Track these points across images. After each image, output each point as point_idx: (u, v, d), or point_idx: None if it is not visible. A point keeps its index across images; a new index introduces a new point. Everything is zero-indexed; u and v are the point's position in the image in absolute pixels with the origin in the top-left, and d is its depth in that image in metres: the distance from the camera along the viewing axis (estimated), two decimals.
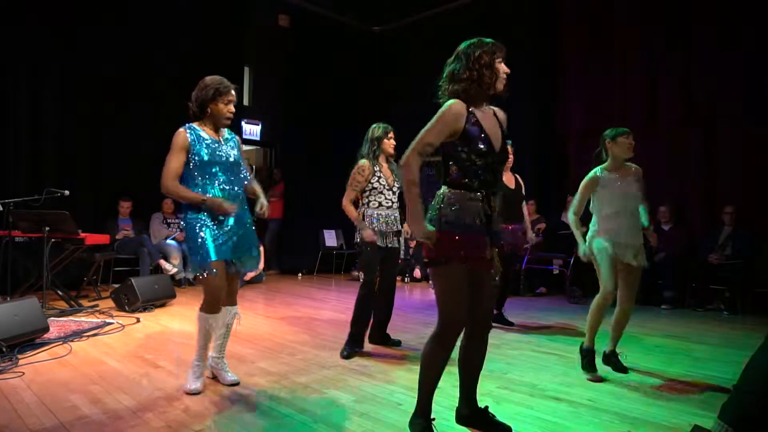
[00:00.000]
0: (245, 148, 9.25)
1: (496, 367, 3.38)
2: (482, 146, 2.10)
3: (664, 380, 3.17)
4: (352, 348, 3.62)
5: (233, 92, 2.86)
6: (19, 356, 3.29)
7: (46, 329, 3.68)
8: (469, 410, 2.37)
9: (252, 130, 8.78)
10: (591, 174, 3.31)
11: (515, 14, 7.77)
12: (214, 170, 2.79)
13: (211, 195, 2.75)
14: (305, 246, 8.74)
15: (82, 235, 4.97)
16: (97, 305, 5.16)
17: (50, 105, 6.19)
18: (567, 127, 7.63)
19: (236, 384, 2.93)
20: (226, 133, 2.93)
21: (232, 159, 2.86)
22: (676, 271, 6.04)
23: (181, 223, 7.11)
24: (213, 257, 2.70)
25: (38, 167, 6.15)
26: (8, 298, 4.35)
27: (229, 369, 3.03)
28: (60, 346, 3.61)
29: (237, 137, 3.00)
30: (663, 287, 6.07)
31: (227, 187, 2.82)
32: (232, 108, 2.85)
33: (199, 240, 2.71)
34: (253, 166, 9.82)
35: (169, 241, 6.81)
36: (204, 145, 2.77)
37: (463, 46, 2.16)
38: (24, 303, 3.58)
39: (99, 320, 4.49)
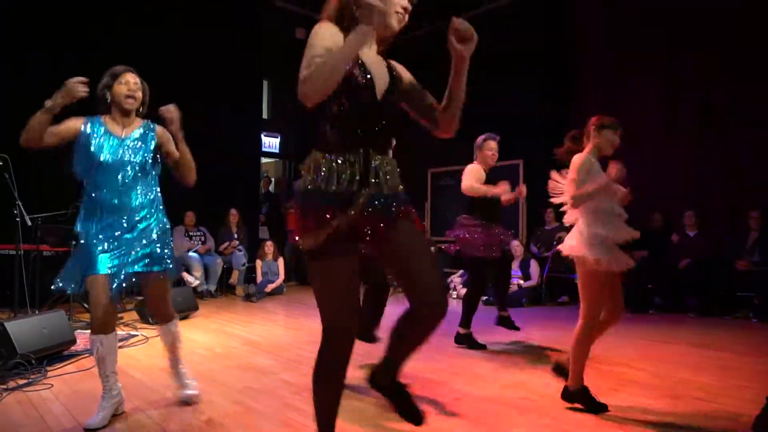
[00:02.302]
0: (265, 160, 9.39)
1: (519, 378, 3.34)
2: (362, 81, 1.60)
3: (693, 390, 3.10)
4: None
5: (130, 74, 2.58)
6: (48, 368, 3.35)
7: (74, 342, 3.75)
8: (386, 382, 1.84)
9: (271, 142, 8.89)
10: (584, 158, 2.73)
11: (530, 17, 7.76)
12: (102, 171, 2.51)
13: (98, 197, 2.51)
14: None
15: None
16: (121, 318, 5.23)
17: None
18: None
19: (189, 403, 2.76)
20: (138, 130, 2.63)
21: (132, 159, 2.55)
22: (701, 278, 5.92)
23: (201, 235, 7.23)
24: (93, 270, 2.43)
25: (65, 182, 6.30)
26: (37, 312, 4.45)
27: (188, 381, 2.83)
28: (87, 358, 3.66)
29: (158, 131, 2.66)
30: (688, 294, 5.94)
31: (121, 189, 2.52)
32: (131, 86, 2.56)
33: (83, 250, 2.49)
34: (272, 179, 9.94)
35: (191, 253, 6.91)
36: (100, 142, 2.51)
37: None
38: (52, 316, 3.66)
39: (123, 332, 4.56)
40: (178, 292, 5.49)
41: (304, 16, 8.69)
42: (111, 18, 6.56)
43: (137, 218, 2.56)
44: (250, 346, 4.22)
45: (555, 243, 6.88)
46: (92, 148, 2.51)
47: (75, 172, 2.57)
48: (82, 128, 2.53)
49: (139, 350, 4.03)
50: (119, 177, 2.53)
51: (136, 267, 2.51)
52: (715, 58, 6.36)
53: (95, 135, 2.53)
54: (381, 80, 1.67)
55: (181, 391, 2.83)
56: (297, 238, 1.62)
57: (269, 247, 7.46)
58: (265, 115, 8.74)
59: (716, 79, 6.38)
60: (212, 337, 4.57)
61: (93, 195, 2.53)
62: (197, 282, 6.71)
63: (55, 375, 3.26)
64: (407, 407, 1.81)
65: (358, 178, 1.59)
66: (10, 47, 5.99)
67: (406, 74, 1.82)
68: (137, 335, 4.45)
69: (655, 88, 6.84)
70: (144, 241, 2.55)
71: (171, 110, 2.55)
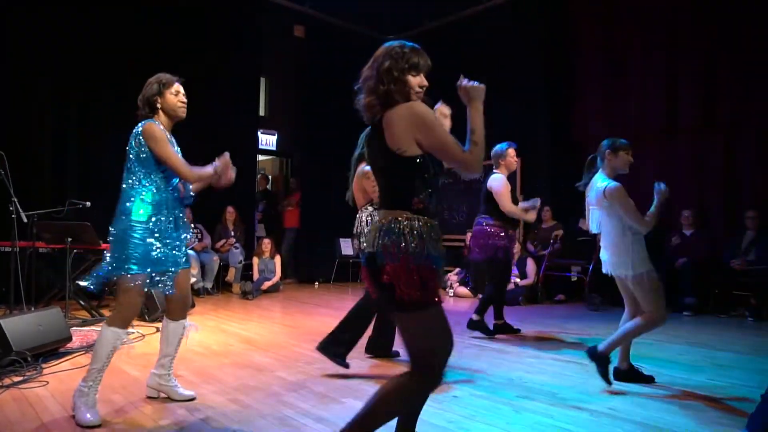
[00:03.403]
0: (261, 158, 9.38)
1: (516, 376, 3.34)
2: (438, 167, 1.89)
3: (688, 388, 3.11)
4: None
5: (178, 83, 2.70)
6: (43, 365, 3.34)
7: (69, 339, 3.74)
8: None
9: (268, 140, 8.87)
10: (620, 188, 2.97)
11: (529, 20, 7.76)
12: (167, 171, 2.62)
13: (164, 197, 2.60)
14: (322, 254, 8.78)
15: (104, 245, 5.05)
16: None
17: (73, 118, 6.34)
18: (583, 133, 7.57)
19: (192, 399, 2.78)
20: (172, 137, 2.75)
21: None
22: (698, 277, 5.93)
23: (197, 233, 7.22)
24: (139, 269, 2.50)
25: (61, 179, 6.29)
26: (32, 309, 4.44)
27: (179, 384, 2.84)
28: (83, 356, 3.66)
29: None
30: (684, 293, 5.96)
31: (176, 194, 2.68)
32: (182, 98, 2.69)
33: (136, 246, 2.51)
34: (269, 176, 9.92)
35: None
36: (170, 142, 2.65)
37: (379, 50, 1.90)
38: (48, 313, 3.65)
39: None
40: None
41: (303, 14, 8.66)
42: (108, 15, 6.53)
43: (180, 218, 2.72)
44: (247, 344, 4.22)
45: (552, 241, 6.90)
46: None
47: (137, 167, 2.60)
48: (160, 129, 2.61)
49: (136, 347, 4.03)
50: (172, 177, 2.67)
51: (183, 265, 2.72)
52: (716, 57, 6.37)
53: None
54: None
55: (179, 393, 2.80)
56: (420, 295, 1.74)
57: (266, 244, 7.45)
58: (262, 113, 8.72)
59: (717, 78, 6.38)
60: (209, 334, 4.56)
61: (155, 193, 2.59)
62: (194, 279, 6.69)
63: (50, 372, 3.25)
64: None
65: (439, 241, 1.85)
66: (4, 46, 5.96)
67: None
68: (133, 332, 4.44)
69: (656, 87, 6.84)
70: (185, 241, 2.73)
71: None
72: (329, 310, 6.08)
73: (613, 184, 2.97)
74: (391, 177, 1.86)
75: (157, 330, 4.60)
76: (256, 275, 7.24)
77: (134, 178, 2.58)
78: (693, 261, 6.00)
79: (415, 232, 1.76)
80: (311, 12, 8.65)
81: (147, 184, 2.58)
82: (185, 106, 2.71)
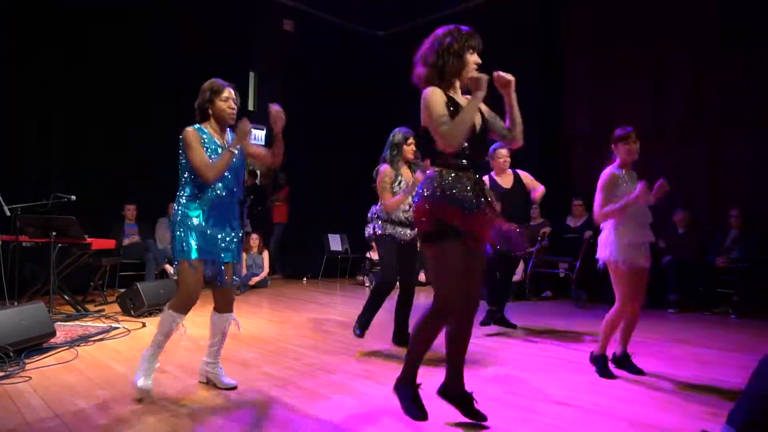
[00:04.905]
0: None
1: (502, 372, 3.36)
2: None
3: (672, 384, 3.15)
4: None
5: (229, 90, 2.86)
6: (26, 361, 3.30)
7: (53, 334, 3.70)
8: (454, 389, 2.46)
9: (257, 134, 8.81)
10: (609, 172, 3.18)
11: (520, 17, 7.79)
12: None
13: (208, 197, 2.75)
14: (310, 250, 8.75)
15: (89, 240, 5.00)
16: (103, 310, 5.18)
17: (58, 110, 6.25)
18: (572, 131, 7.62)
19: (234, 388, 2.92)
20: (229, 136, 2.89)
21: (233, 164, 2.80)
22: (682, 274, 6.00)
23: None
24: (194, 255, 2.69)
25: (45, 172, 6.20)
26: (16, 303, 4.38)
27: (224, 373, 3.01)
28: (66, 351, 3.62)
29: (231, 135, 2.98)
30: (669, 290, 6.03)
31: (224, 193, 2.79)
32: (231, 104, 2.84)
33: (184, 235, 2.69)
34: (257, 171, 9.86)
35: None
36: (209, 147, 2.75)
37: (437, 31, 2.24)
38: (31, 308, 3.60)
39: (105, 325, 4.51)
40: (161, 284, 5.44)
41: (292, 8, 8.61)
42: (100, 9, 6.42)
43: (235, 217, 2.86)
44: (233, 339, 4.18)
45: (539, 238, 6.94)
46: (207, 153, 2.73)
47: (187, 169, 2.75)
48: (199, 135, 2.75)
49: (121, 343, 3.99)
50: (224, 178, 2.77)
51: (234, 259, 2.88)
52: (703, 57, 6.43)
53: (206, 141, 2.76)
54: (476, 119, 2.27)
55: (222, 381, 2.97)
56: (430, 228, 2.15)
57: (254, 240, 7.41)
58: (250, 107, 8.66)
59: (704, 78, 6.44)
60: (195, 329, 4.52)
61: (198, 192, 2.74)
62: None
63: (33, 368, 3.21)
64: (472, 411, 2.41)
65: (470, 188, 2.17)
66: None
67: (485, 109, 2.37)
68: (119, 328, 4.40)
69: (643, 87, 6.89)
70: (235, 239, 2.88)
71: (280, 112, 2.87)
72: (317, 305, 6.07)
73: (605, 171, 3.16)
74: (431, 138, 2.17)
75: (144, 325, 4.57)
76: (243, 270, 7.21)
77: (182, 175, 2.77)
78: (677, 259, 6.07)
79: (441, 180, 2.13)
80: (301, 6, 8.60)
81: (189, 184, 2.73)
82: (234, 112, 2.84)
